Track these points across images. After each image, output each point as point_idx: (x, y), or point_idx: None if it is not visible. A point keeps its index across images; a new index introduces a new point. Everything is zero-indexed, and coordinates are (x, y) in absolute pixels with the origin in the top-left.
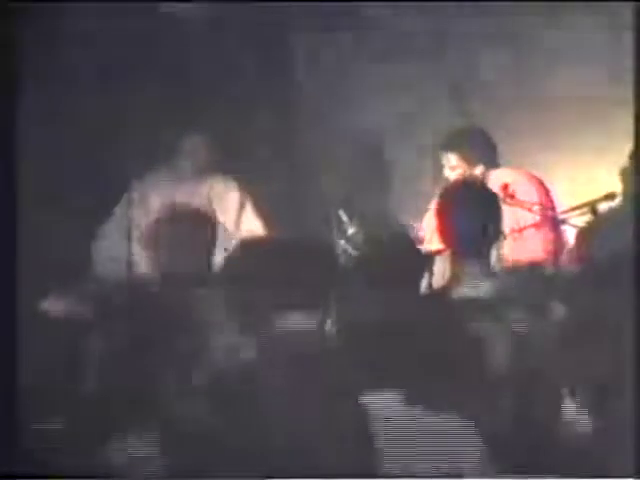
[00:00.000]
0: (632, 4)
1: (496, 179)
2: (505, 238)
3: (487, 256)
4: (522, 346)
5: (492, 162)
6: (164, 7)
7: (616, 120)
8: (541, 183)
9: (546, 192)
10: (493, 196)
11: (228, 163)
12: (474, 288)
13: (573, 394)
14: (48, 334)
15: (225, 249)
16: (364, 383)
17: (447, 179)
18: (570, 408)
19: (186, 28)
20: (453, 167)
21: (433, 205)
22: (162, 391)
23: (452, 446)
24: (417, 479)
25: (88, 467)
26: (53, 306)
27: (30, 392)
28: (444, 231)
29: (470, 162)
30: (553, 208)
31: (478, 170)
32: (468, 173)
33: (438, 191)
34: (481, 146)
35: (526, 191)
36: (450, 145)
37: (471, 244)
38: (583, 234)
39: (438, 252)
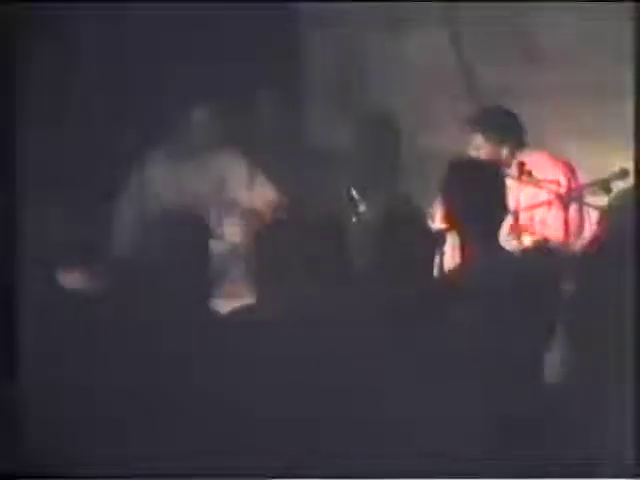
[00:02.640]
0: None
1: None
2: (515, 217)
3: (496, 235)
4: (533, 326)
5: (519, 143)
6: None
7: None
8: (566, 164)
9: (571, 173)
10: (500, 175)
11: (237, 139)
12: (484, 267)
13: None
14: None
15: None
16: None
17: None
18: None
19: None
20: (478, 146)
21: (442, 184)
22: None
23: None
24: (417, 479)
25: (88, 467)
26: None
27: (31, 392)
28: (453, 210)
29: (496, 142)
30: (573, 187)
31: (504, 151)
32: (493, 153)
33: (446, 170)
34: (508, 127)
35: (547, 170)
36: (476, 124)
37: (479, 223)
38: (602, 213)
39: (447, 231)
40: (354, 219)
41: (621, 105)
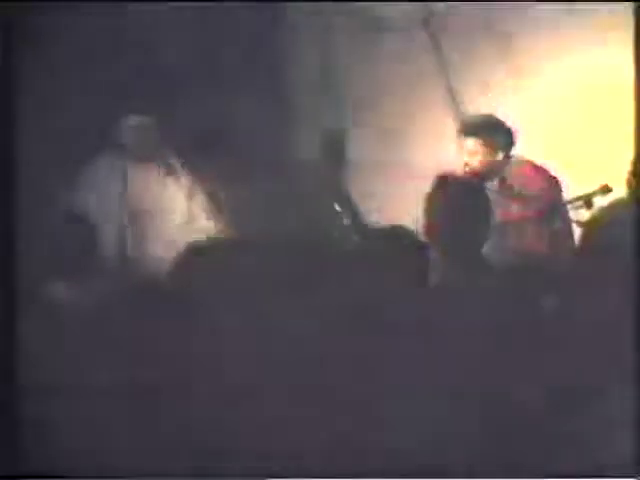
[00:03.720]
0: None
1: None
2: (498, 231)
3: (479, 250)
4: (516, 338)
5: (512, 149)
6: None
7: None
8: (550, 175)
9: (556, 184)
10: (484, 190)
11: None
12: (467, 282)
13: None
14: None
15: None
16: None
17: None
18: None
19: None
20: (472, 152)
21: (426, 198)
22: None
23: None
24: (417, 479)
25: (88, 467)
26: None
27: (30, 391)
28: (437, 225)
29: (490, 148)
30: (555, 201)
31: (499, 157)
32: (488, 159)
33: (431, 184)
34: (504, 131)
35: (530, 184)
36: (470, 130)
37: (462, 238)
38: (585, 228)
39: (431, 245)
40: (338, 233)
41: (621, 107)
